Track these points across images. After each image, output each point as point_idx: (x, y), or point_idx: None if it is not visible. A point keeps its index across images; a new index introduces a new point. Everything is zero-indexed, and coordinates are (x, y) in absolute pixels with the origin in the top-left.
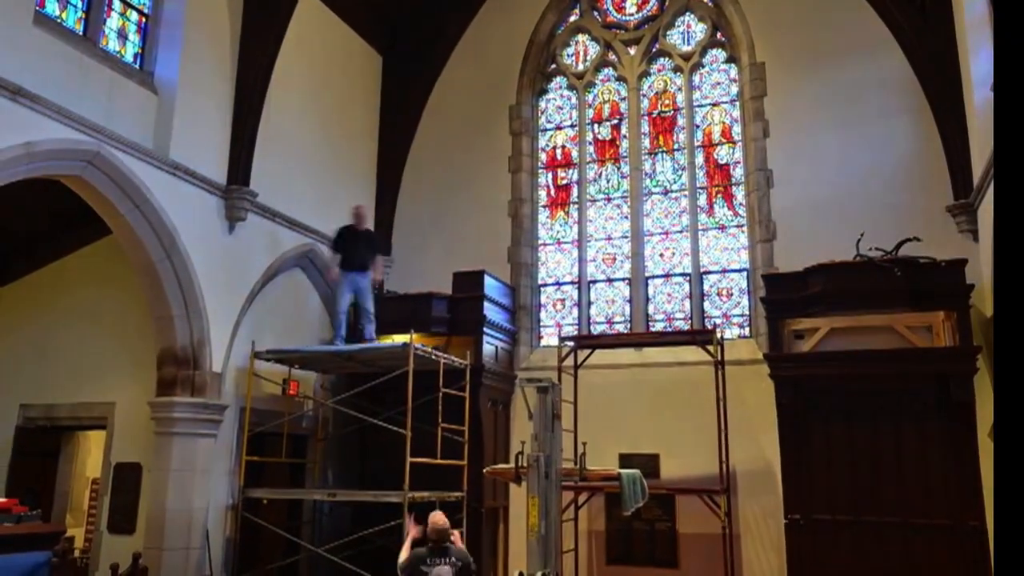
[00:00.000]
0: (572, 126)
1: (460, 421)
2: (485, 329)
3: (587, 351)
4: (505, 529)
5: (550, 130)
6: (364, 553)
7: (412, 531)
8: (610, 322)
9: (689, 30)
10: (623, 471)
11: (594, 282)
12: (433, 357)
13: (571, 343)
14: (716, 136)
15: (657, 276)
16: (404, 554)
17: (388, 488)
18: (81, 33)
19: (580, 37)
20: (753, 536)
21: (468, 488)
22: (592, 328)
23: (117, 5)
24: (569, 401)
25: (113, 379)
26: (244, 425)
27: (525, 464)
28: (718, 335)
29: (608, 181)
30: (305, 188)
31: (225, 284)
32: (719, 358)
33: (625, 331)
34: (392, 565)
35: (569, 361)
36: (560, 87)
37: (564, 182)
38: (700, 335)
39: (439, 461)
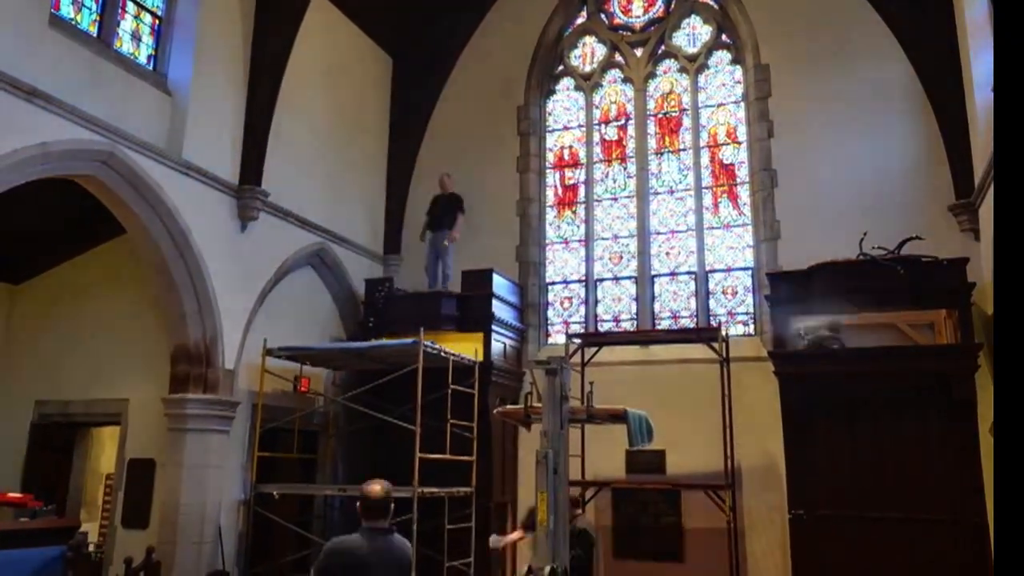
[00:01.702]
0: (579, 127)
1: (469, 418)
2: (494, 327)
3: (594, 348)
4: (513, 524)
5: (557, 131)
6: None
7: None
8: (617, 320)
9: (695, 32)
10: (630, 410)
11: (601, 280)
12: (442, 355)
13: (578, 340)
14: (721, 136)
15: (663, 274)
16: None
17: (398, 483)
18: (95, 35)
19: (587, 39)
20: (758, 531)
21: (477, 483)
22: (599, 326)
23: (131, 8)
24: (577, 398)
25: (127, 376)
26: (256, 422)
27: (535, 403)
28: (723, 332)
29: (615, 181)
30: (316, 188)
31: (237, 282)
32: (724, 355)
33: (631, 328)
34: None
35: (577, 359)
36: (568, 88)
37: (571, 182)
38: (705, 333)
39: (448, 457)
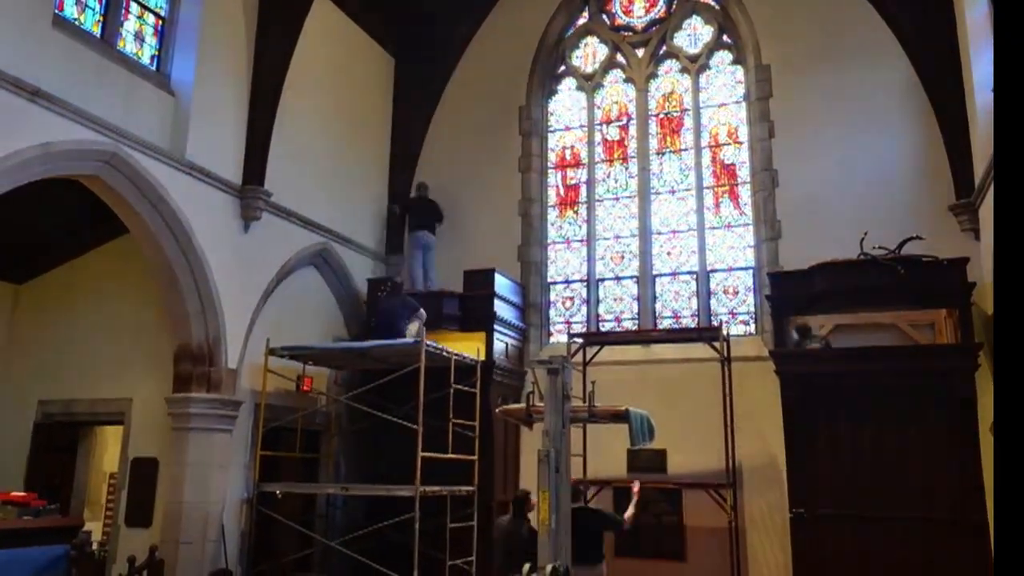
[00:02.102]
0: (581, 127)
1: (471, 417)
2: (495, 326)
3: (596, 348)
4: None
5: (559, 131)
6: (377, 546)
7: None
8: (618, 319)
9: (696, 32)
10: (632, 409)
11: (602, 280)
12: (444, 354)
13: (580, 340)
14: (722, 137)
15: (664, 274)
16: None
17: (400, 482)
18: (99, 36)
19: (589, 39)
20: (759, 529)
21: (479, 482)
22: (601, 325)
23: (134, 8)
24: (579, 397)
25: (130, 375)
26: (259, 421)
27: (537, 403)
28: (724, 332)
29: (616, 181)
30: (319, 188)
31: (240, 282)
32: (725, 355)
33: (633, 328)
34: (403, 558)
35: (578, 358)
36: (569, 88)
37: (573, 182)
38: (707, 332)
39: (451, 456)
